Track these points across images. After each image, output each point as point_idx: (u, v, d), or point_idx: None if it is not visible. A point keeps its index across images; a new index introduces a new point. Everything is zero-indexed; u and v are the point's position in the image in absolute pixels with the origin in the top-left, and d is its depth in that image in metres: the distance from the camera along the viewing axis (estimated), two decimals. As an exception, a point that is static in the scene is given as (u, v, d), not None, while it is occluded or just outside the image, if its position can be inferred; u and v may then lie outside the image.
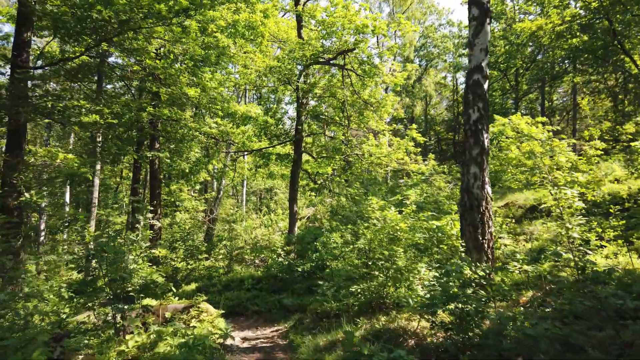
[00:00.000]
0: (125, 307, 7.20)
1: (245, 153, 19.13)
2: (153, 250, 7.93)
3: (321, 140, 15.95)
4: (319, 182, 18.72)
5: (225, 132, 18.43)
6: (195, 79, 15.73)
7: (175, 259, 17.77)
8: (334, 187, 19.01)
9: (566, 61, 30.10)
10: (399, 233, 8.39)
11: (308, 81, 15.70)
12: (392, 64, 18.10)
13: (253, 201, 44.23)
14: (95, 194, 29.04)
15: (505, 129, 17.08)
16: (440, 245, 8.17)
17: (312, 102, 16.22)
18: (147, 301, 8.08)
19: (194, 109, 17.27)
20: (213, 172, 22.02)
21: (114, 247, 7.13)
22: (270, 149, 17.60)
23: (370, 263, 8.52)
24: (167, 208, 27.79)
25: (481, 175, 8.13)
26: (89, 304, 7.11)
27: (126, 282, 7.29)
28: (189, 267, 16.87)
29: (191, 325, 7.90)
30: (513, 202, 12.70)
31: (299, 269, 12.01)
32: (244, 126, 18.24)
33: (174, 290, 7.57)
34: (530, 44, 31.92)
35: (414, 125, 17.27)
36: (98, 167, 28.63)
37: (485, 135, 8.23)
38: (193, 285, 14.03)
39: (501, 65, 41.29)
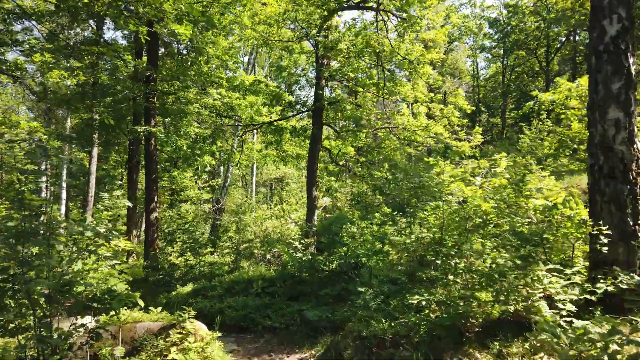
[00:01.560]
0: (56, 335, 4.38)
1: (254, 129, 16.22)
2: (117, 243, 4.91)
3: (346, 109, 13.00)
4: (340, 163, 15.79)
5: (229, 106, 15.58)
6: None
7: (172, 253, 15.04)
8: (358, 169, 16.05)
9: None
10: (486, 217, 5.44)
11: (330, 36, 12.73)
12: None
13: (263, 192, 41.45)
14: (92, 183, 26.41)
15: (570, 95, 13.94)
16: (557, 235, 5.21)
17: (335, 63, 13.25)
18: (103, 318, 5.26)
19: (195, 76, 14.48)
20: (219, 155, 19.19)
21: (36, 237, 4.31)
22: (284, 122, 14.66)
23: (439, 261, 5.60)
24: (170, 196, 25.01)
25: (628, 123, 5.12)
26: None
27: (59, 292, 4.47)
28: (189, 263, 14.12)
29: (169, 358, 5.05)
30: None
31: (325, 269, 9.13)
32: (253, 96, 15.34)
33: (141, 304, 4.78)
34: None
35: (461, 90, 14.23)
36: (95, 152, 25.99)
37: (631, 61, 5.20)
38: (189, 287, 11.22)
39: (531, 44, 37.90)
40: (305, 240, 11.79)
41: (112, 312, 4.77)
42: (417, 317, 5.30)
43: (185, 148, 14.69)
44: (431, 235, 5.82)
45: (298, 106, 13.82)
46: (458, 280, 5.36)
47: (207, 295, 9.97)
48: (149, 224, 17.10)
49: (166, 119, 14.42)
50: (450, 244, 5.66)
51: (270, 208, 27.61)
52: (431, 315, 5.25)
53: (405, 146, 14.36)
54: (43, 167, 36.64)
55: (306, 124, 14.45)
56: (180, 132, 14.18)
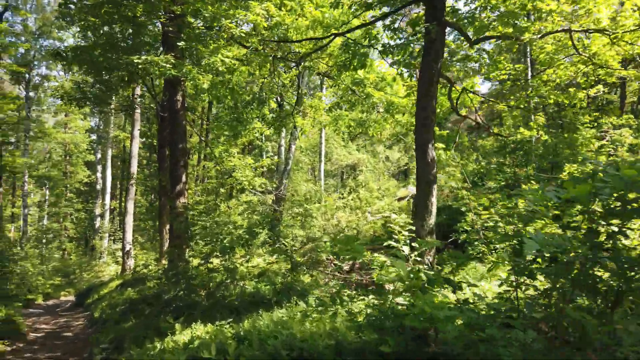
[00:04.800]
0: None
1: (319, 50, 10.20)
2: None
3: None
4: (463, 112, 9.47)
5: (279, 26, 9.94)
6: None
7: (192, 257, 9.82)
8: (509, 119, 9.71)
9: None
10: None
11: None
12: None
13: (332, 184, 35.80)
14: (134, 166, 22.19)
15: None
16: None
17: None
18: None
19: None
20: (270, 118, 13.67)
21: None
22: (373, 28, 8.55)
23: None
24: (212, 181, 20.00)
25: None
26: None
27: None
28: (213, 276, 8.72)
29: None
30: None
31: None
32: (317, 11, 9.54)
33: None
34: None
35: None
36: (137, 132, 21.72)
37: None
38: (185, 335, 5.66)
39: None
40: (419, 243, 5.73)
41: None
42: None
43: (205, 87, 9.26)
44: None
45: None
46: None
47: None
48: (174, 213, 12.05)
49: (188, 44, 9.07)
50: None
51: (343, 197, 21.84)
52: None
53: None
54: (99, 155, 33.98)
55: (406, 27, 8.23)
56: (202, 63, 8.71)
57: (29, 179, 31.34)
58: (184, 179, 12.21)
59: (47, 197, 36.37)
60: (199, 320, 6.40)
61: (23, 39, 26.68)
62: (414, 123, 7.64)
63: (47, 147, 36.53)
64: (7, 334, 7.70)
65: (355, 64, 9.15)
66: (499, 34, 8.05)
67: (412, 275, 3.86)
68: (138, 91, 16.79)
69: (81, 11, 9.08)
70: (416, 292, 3.74)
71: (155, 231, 29.23)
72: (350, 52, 8.91)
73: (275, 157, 19.20)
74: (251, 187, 16.95)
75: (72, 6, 9.22)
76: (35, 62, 30.90)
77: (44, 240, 27.79)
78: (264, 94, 13.63)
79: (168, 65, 8.41)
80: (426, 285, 3.73)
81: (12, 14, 25.38)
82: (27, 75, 29.42)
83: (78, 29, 14.21)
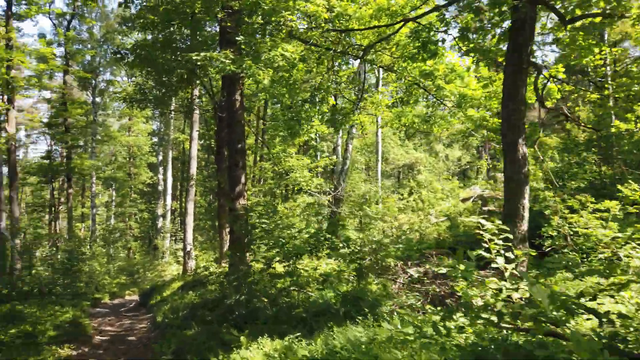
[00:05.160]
0: None
1: (390, 35, 9.44)
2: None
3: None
4: (547, 103, 8.35)
5: (340, 17, 9.36)
6: None
7: (254, 261, 9.48)
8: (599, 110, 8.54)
9: None
10: None
11: None
12: None
13: (388, 185, 34.70)
14: (194, 167, 22.46)
15: None
16: None
17: None
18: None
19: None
20: (330, 115, 13.13)
21: None
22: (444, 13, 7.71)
23: None
24: (270, 182, 19.72)
25: None
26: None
27: None
28: (278, 283, 8.27)
29: None
30: None
31: None
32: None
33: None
34: None
35: None
36: (195, 134, 21.98)
37: None
38: (259, 351, 5.19)
39: None
40: (515, 253, 4.86)
41: None
42: None
43: (261, 78, 8.83)
44: None
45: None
46: None
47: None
48: (234, 215, 11.80)
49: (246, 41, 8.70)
50: None
51: (402, 198, 20.90)
52: None
53: None
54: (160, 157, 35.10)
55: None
56: (261, 57, 8.28)
57: (97, 181, 32.90)
58: (242, 180, 11.94)
59: (113, 198, 38.10)
60: (265, 333, 5.90)
61: (89, 46, 27.93)
62: (489, 116, 6.77)
63: (112, 149, 38.30)
64: (74, 337, 7.65)
65: (425, 54, 8.36)
66: (597, 12, 6.97)
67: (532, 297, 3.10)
68: (196, 92, 16.86)
69: (141, 10, 8.97)
70: (539, 321, 2.99)
71: (215, 232, 29.71)
72: (420, 40, 8.14)
73: (333, 157, 18.63)
74: (308, 188, 16.51)
75: (132, 5, 9.15)
76: (101, 69, 32.41)
77: (110, 239, 29.00)
78: (322, 91, 13.11)
79: (227, 61, 8.06)
80: (553, 312, 2.96)
81: (79, 22, 26.65)
82: (93, 82, 30.89)
83: (138, 33, 14.44)
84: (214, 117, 15.74)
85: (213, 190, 38.91)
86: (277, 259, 8.72)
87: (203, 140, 23.24)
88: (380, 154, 24.71)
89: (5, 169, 18.49)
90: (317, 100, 13.05)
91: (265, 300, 9.01)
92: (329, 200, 19.33)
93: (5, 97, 19.13)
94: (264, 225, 10.18)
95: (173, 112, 18.97)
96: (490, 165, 21.60)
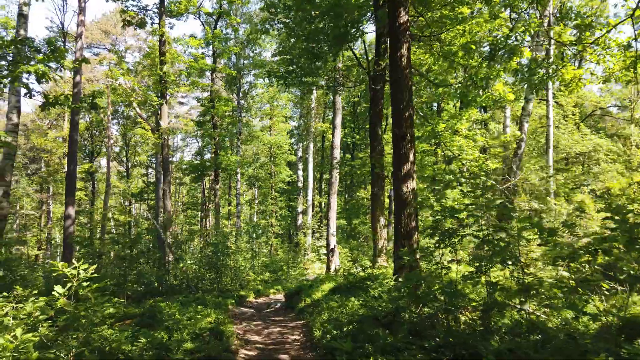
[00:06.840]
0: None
1: None
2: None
3: None
4: None
5: None
6: None
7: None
8: None
9: None
10: None
11: None
12: None
13: (562, 176, 28.56)
14: (337, 153, 20.62)
15: None
16: None
17: None
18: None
19: None
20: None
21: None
22: None
23: None
24: (437, 166, 16.31)
25: None
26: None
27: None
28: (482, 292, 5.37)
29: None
30: None
31: None
32: None
33: None
34: None
35: None
36: (339, 121, 20.09)
37: None
38: None
39: None
40: None
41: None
42: None
43: None
44: None
45: None
46: None
47: None
48: (401, 202, 9.18)
49: None
50: None
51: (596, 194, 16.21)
52: None
53: None
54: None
55: None
56: None
57: (241, 179, 33.66)
58: (411, 157, 9.22)
59: (256, 196, 39.08)
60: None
61: (233, 43, 28.24)
62: None
63: (254, 149, 39.33)
64: (214, 351, 5.77)
65: None
66: None
67: None
68: (340, 65, 14.80)
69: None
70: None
71: (351, 228, 27.75)
72: None
73: (506, 134, 14.88)
74: (482, 172, 13.13)
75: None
76: (245, 71, 32.99)
77: (254, 235, 29.05)
78: (510, 41, 9.80)
79: None
80: None
81: (225, 23, 27.02)
82: (237, 85, 31.50)
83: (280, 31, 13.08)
84: (368, 90, 13.41)
85: (348, 186, 37.21)
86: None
87: (345, 129, 21.25)
88: (552, 138, 19.49)
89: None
90: (505, 52, 9.86)
91: (467, 316, 6.22)
92: (498, 190, 15.59)
93: (159, 92, 19.53)
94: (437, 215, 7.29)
95: (316, 90, 17.21)
96: None
